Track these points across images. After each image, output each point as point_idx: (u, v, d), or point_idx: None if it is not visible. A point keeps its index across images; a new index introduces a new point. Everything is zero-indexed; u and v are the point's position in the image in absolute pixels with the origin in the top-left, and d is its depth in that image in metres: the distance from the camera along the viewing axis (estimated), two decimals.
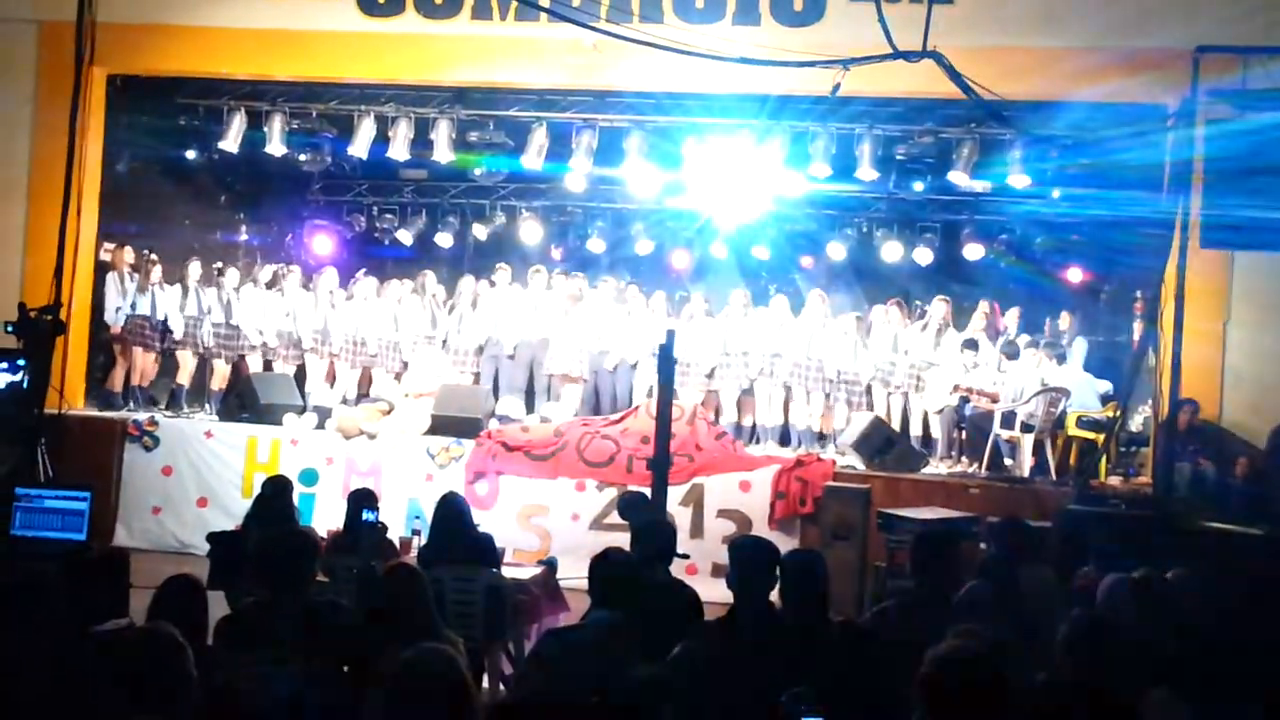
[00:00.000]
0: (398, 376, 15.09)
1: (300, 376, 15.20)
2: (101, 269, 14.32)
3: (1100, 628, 4.83)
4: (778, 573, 5.67)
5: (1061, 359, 13.94)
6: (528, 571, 9.08)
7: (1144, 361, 11.84)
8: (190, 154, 15.64)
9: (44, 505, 7.61)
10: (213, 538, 9.06)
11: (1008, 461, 13.33)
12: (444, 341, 15.27)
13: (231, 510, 12.29)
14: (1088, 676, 4.68)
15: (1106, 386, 13.71)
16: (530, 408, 14.99)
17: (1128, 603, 5.73)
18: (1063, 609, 5.48)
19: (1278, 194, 10.09)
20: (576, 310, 15.13)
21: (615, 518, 11.60)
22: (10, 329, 9.96)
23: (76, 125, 10.48)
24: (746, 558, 5.79)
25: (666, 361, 9.40)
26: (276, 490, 9.14)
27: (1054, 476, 12.97)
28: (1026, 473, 12.99)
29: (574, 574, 8.84)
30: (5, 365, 11.20)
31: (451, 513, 8.38)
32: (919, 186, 14.99)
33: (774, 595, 5.80)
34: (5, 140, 13.78)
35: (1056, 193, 14.92)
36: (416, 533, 9.42)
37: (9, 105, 13.75)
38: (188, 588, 5.36)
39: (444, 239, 17.68)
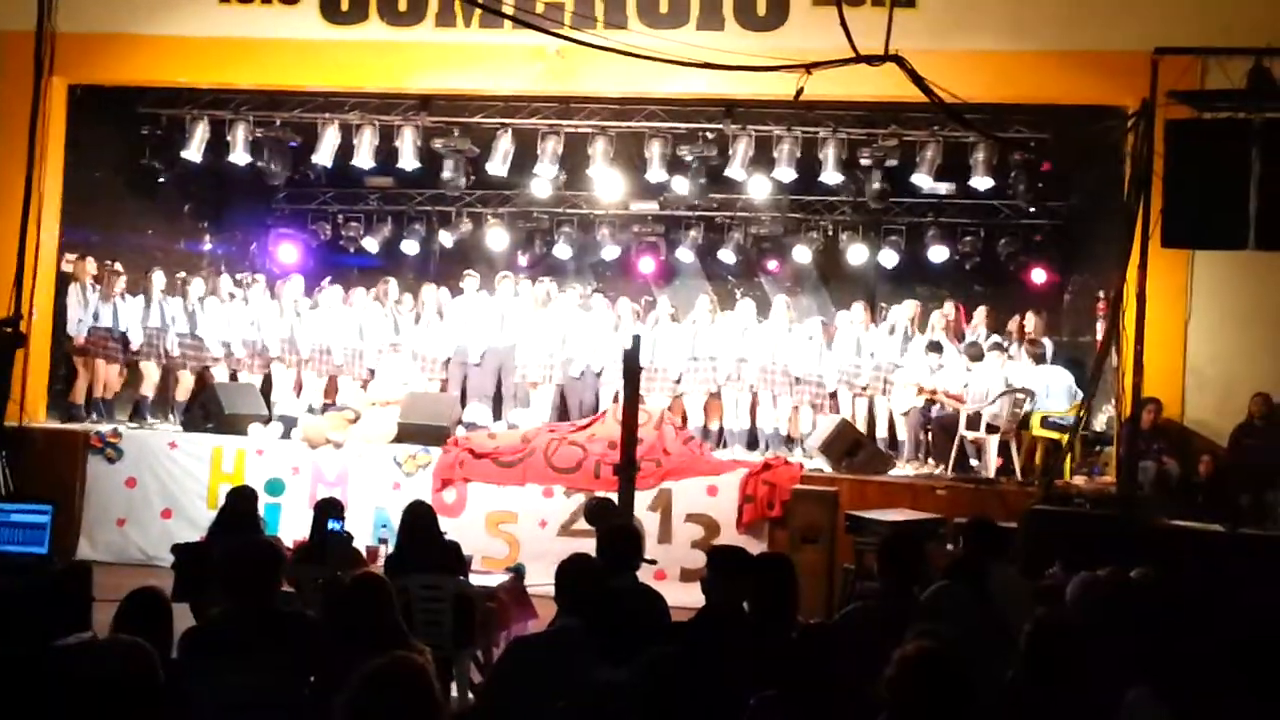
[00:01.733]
0: (364, 385, 15.04)
1: (266, 386, 15.13)
2: (63, 280, 14.21)
3: (1064, 627, 4.86)
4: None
5: (1040, 358, 14.01)
6: (496, 579, 9.06)
7: (1107, 361, 11.90)
8: (153, 163, 15.51)
9: (5, 519, 7.53)
10: (177, 549, 9.02)
11: (974, 462, 13.40)
12: (411, 350, 15.23)
13: (196, 521, 12.24)
14: (1052, 676, 4.70)
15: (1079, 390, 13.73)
16: (498, 415, 14.96)
17: (1095, 602, 5.76)
18: (1030, 608, 5.50)
19: (1236, 193, 10.16)
20: (544, 314, 15.14)
21: (583, 524, 11.58)
22: None
23: (37, 135, 10.42)
24: (723, 564, 5.85)
25: (632, 367, 9.40)
26: (242, 500, 9.11)
27: (1020, 477, 13.04)
28: (992, 473, 13.06)
29: (542, 581, 8.82)
30: None
31: (419, 521, 8.35)
32: (882, 189, 15.02)
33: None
34: None
35: (1019, 194, 15.00)
36: (383, 541, 9.39)
37: None
38: (152, 600, 5.32)
39: (410, 246, 17.61)
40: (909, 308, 14.92)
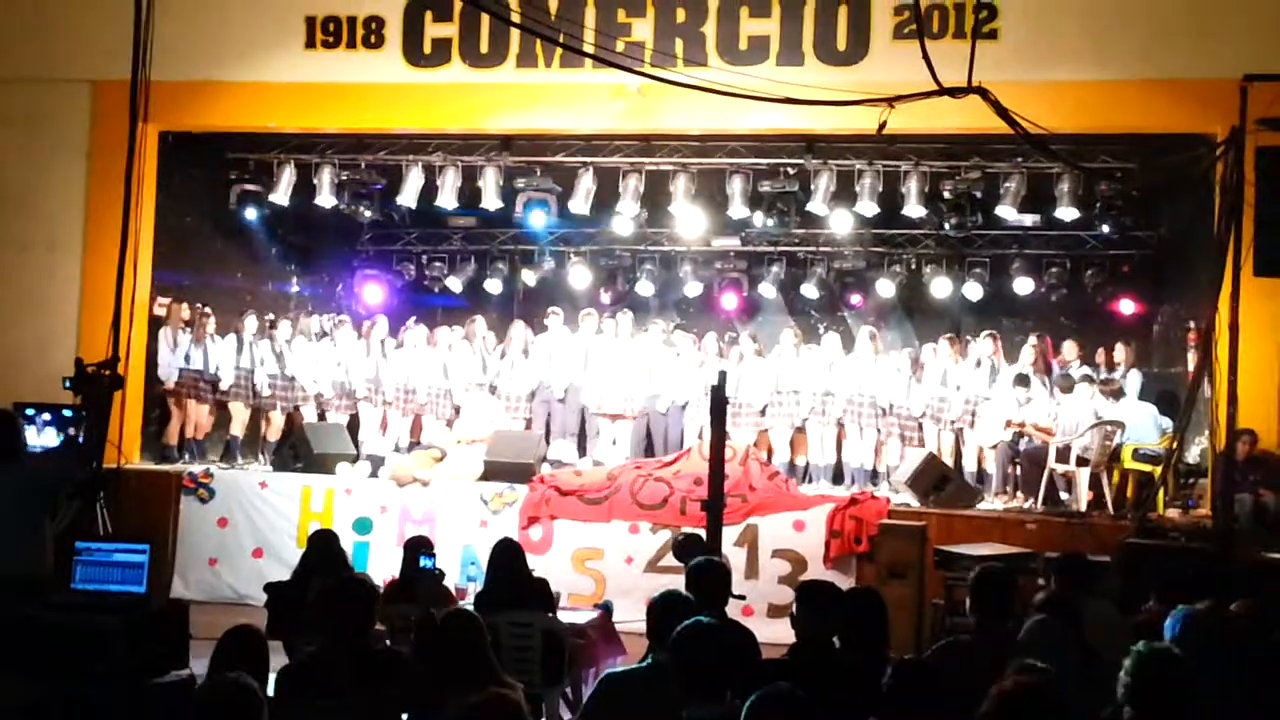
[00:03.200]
0: (449, 424, 15.14)
1: (353, 425, 15.31)
2: (155, 323, 14.48)
3: (1166, 661, 4.77)
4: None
5: (1118, 395, 13.79)
6: (584, 615, 9.07)
7: (1199, 392, 11.71)
8: (242, 207, 15.80)
9: (104, 559, 7.64)
10: (270, 588, 9.11)
11: (1064, 496, 13.20)
12: (493, 388, 15.35)
13: (287, 560, 12.32)
14: (1154, 710, 4.62)
15: (1169, 423, 13.45)
16: (582, 452, 15.02)
17: (1195, 635, 5.66)
18: (1126, 643, 5.42)
19: None
20: (623, 348, 15.19)
21: (670, 560, 11.57)
22: (68, 384, 10.05)
23: (131, 182, 10.61)
24: (813, 598, 5.81)
25: (719, 403, 9.39)
26: (322, 544, 9.15)
27: (1111, 510, 12.83)
28: (1083, 507, 12.86)
29: (630, 617, 8.84)
30: (53, 419, 11.41)
31: (506, 558, 8.39)
32: (965, 222, 14.91)
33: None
34: (61, 198, 14.04)
35: (1106, 225, 14.85)
36: (472, 579, 9.43)
37: (64, 164, 14.00)
38: (250, 638, 5.39)
39: (493, 285, 17.78)
40: (986, 343, 14.76)
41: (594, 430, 15.19)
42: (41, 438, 11.80)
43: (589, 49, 12.00)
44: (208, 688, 4.44)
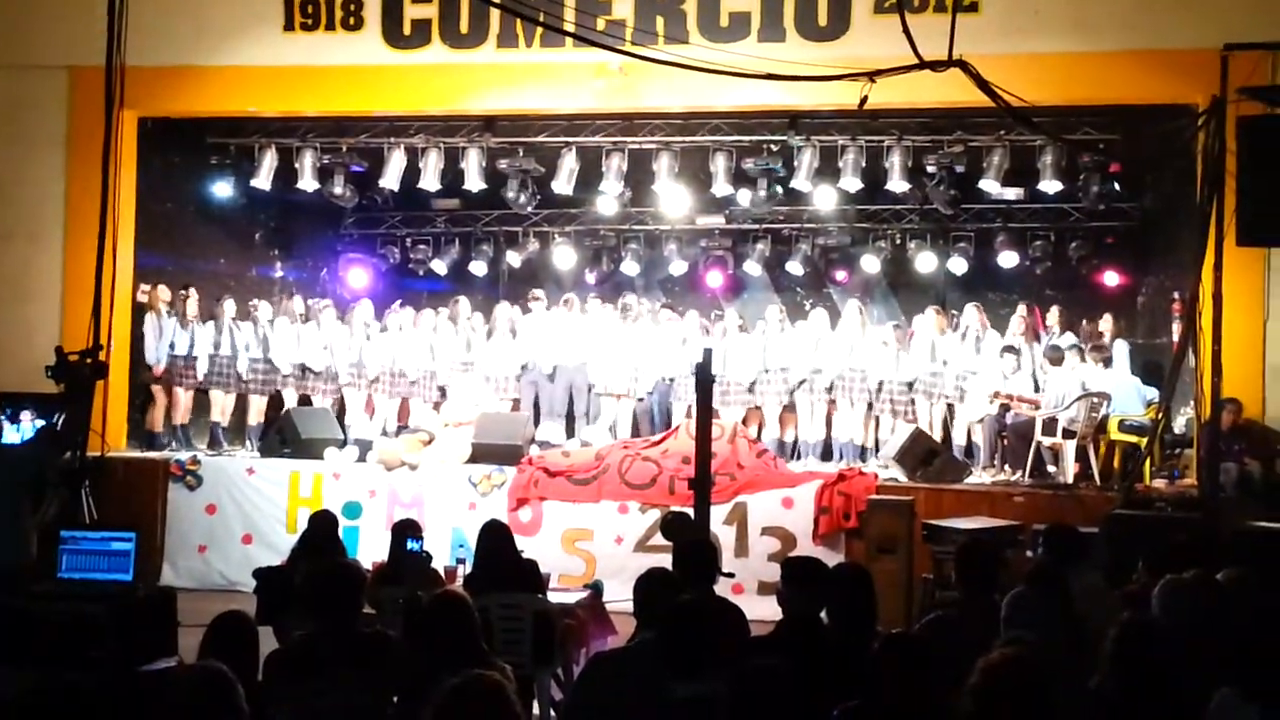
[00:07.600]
0: (436, 406, 15.13)
1: (339, 410, 15.28)
2: (139, 310, 14.43)
3: (1151, 631, 4.79)
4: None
5: (1108, 363, 13.83)
6: (573, 596, 9.06)
7: (1184, 363, 11.73)
8: (223, 192, 15.73)
9: (90, 547, 7.63)
10: (259, 574, 9.09)
11: (1051, 468, 13.24)
12: (483, 369, 15.32)
13: (276, 546, 12.33)
14: (1138, 681, 4.63)
15: (1154, 393, 13.51)
16: (570, 432, 15.01)
17: (1181, 605, 5.67)
18: (1114, 614, 5.43)
19: None
20: (624, 326, 15.20)
21: (659, 539, 11.58)
22: (49, 373, 10.00)
23: (110, 169, 10.54)
24: (798, 575, 5.81)
25: (704, 381, 9.38)
26: (322, 525, 9.18)
27: (1098, 481, 12.87)
28: (1071, 479, 12.89)
29: (620, 597, 8.83)
30: (35, 408, 11.39)
31: (495, 540, 8.37)
32: (950, 196, 14.91)
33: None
34: (39, 185, 13.95)
35: (1089, 196, 14.86)
36: (461, 561, 9.43)
37: (42, 151, 13.92)
38: (238, 624, 5.37)
39: (478, 267, 17.74)
40: (971, 313, 14.76)
41: (581, 410, 15.19)
42: (23, 428, 11.75)
43: (570, 28, 11.94)
44: (177, 679, 4.42)
